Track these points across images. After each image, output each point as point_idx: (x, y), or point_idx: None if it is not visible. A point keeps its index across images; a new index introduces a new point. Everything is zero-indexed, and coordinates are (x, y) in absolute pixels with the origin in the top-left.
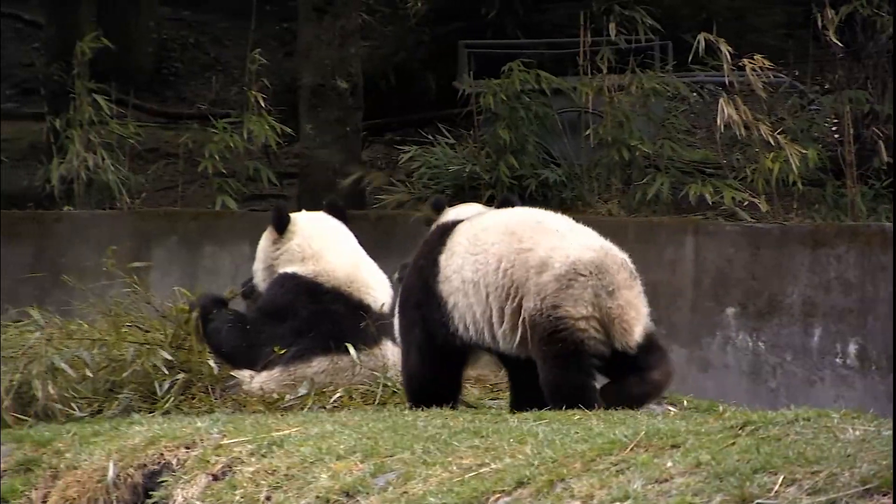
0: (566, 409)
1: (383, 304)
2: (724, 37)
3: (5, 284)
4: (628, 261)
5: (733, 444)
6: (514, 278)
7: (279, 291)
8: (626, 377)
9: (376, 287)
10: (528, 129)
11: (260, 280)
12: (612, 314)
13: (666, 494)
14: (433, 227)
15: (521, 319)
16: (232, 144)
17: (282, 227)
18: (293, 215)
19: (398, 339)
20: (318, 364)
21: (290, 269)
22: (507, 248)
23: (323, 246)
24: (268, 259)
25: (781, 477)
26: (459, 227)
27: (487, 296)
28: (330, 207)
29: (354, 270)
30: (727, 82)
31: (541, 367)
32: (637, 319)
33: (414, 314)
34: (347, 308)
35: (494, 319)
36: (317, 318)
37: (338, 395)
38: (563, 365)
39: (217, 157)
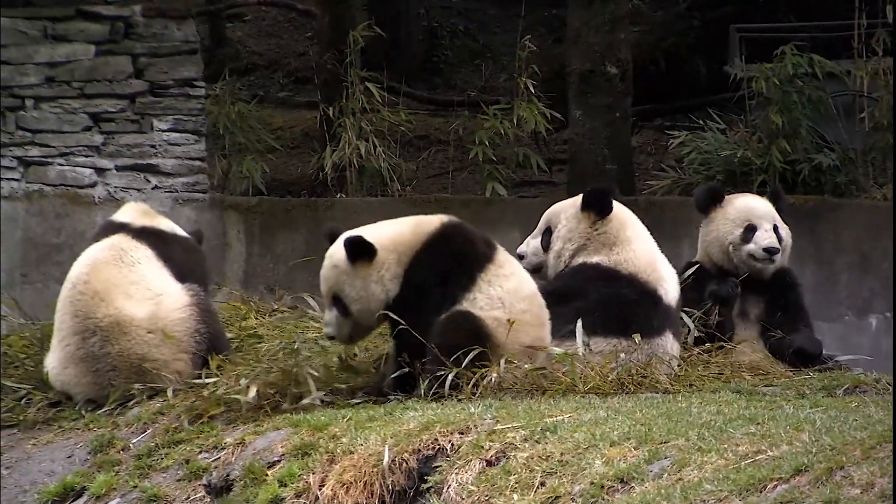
0: None
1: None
2: None
3: (280, 271)
4: None
5: None
6: None
7: (578, 278)
8: None
9: (669, 279)
10: (801, 113)
11: (551, 259)
12: None
13: None
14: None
15: None
16: (502, 131)
17: (606, 209)
18: None
19: None
20: (595, 345)
21: (594, 259)
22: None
23: (634, 233)
24: (577, 239)
25: None
26: None
27: None
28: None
29: (654, 259)
30: None
31: None
32: None
33: None
34: (638, 294)
35: None
36: (605, 301)
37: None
38: None
39: (487, 144)
